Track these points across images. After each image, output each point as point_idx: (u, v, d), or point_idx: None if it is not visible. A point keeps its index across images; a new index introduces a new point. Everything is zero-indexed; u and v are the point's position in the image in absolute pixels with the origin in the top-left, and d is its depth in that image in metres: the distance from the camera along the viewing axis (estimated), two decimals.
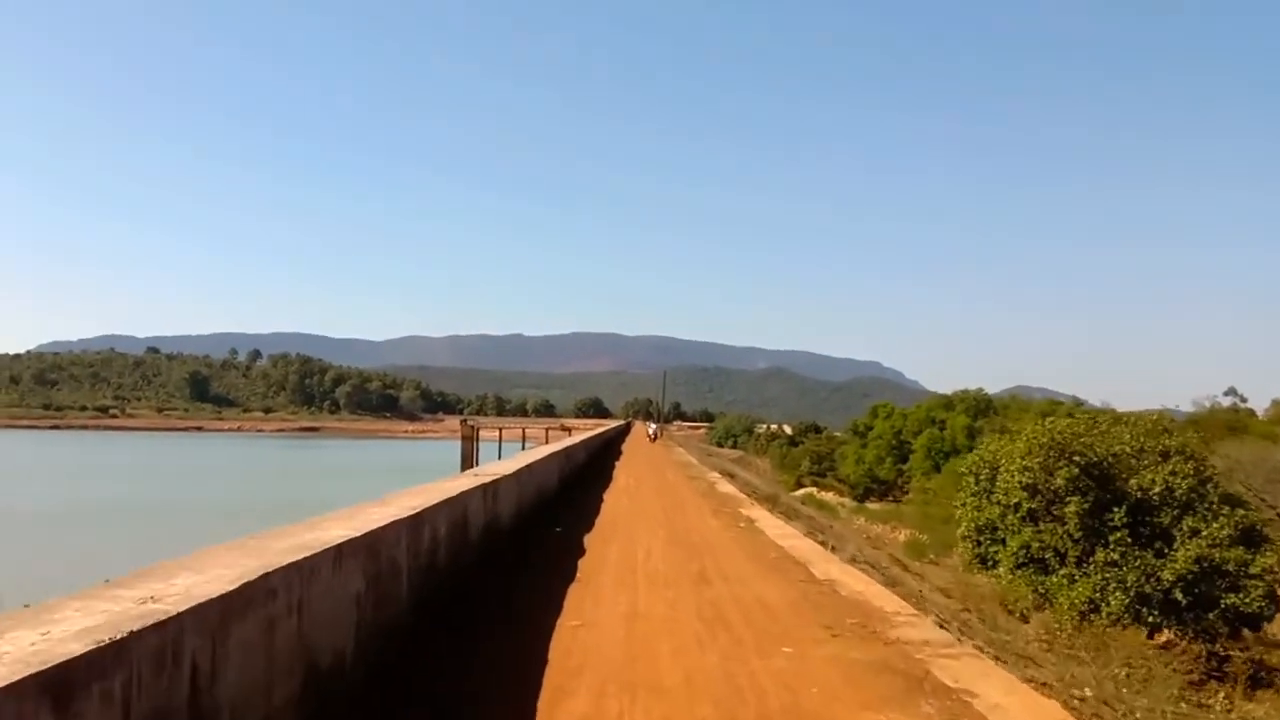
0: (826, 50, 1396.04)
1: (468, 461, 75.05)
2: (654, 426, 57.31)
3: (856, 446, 70.49)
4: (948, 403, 75.16)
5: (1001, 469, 14.88)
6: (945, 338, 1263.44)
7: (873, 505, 62.57)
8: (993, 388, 75.54)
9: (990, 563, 15.58)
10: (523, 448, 76.84)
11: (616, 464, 26.84)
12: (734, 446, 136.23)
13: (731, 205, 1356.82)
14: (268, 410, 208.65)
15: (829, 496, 65.56)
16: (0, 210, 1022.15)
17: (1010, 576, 14.73)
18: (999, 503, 14.86)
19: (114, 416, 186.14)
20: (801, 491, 64.60)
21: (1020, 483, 14.17)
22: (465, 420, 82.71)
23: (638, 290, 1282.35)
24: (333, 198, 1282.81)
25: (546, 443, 70.14)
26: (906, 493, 71.67)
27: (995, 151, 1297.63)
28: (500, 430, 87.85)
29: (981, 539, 15.52)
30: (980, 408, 74.58)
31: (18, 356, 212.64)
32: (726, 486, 21.54)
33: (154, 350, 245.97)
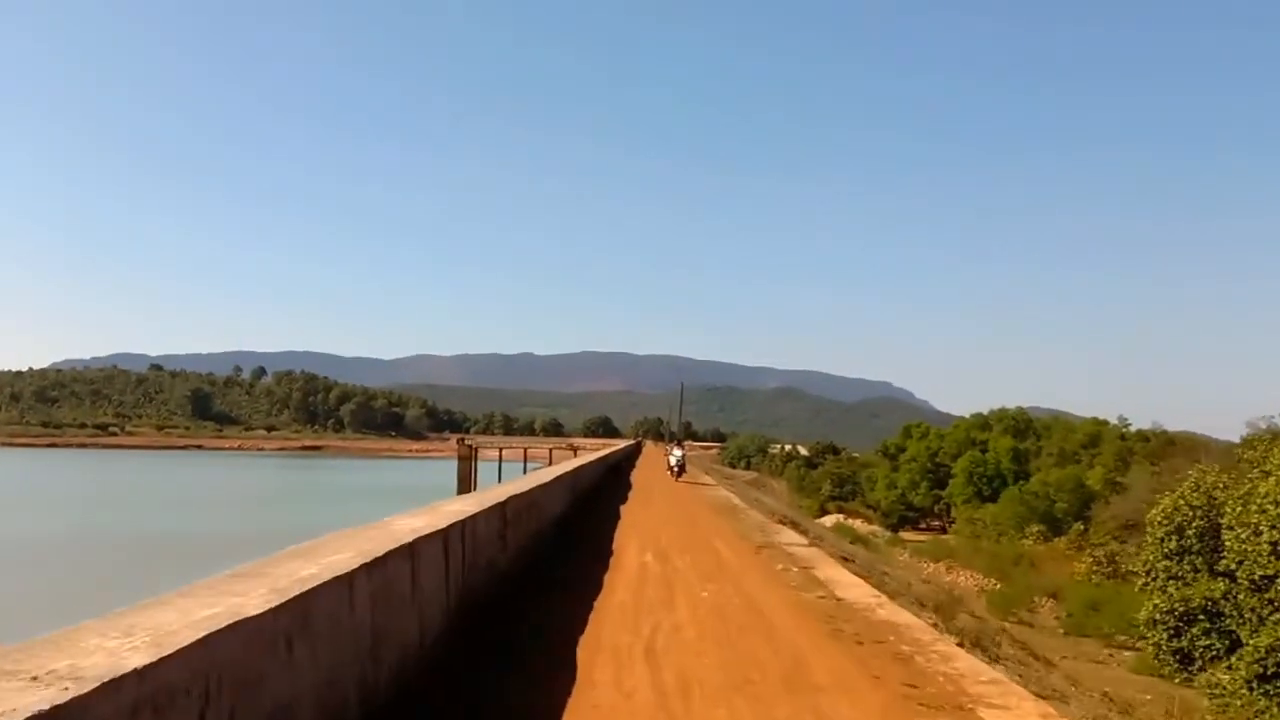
0: (828, 71, 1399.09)
1: (465, 483, 69.78)
2: (679, 453, 32.23)
3: (886, 470, 65.01)
4: (984, 422, 69.61)
5: (1233, 523, 9.44)
6: (952, 358, 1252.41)
7: (909, 535, 56.99)
8: (1003, 406, 69.97)
9: (1198, 662, 10.07)
10: (524, 469, 71.91)
11: (620, 515, 15.77)
12: (747, 467, 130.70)
13: (742, 226, 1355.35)
14: (270, 428, 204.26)
15: (858, 525, 59.74)
16: (15, 231, 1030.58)
17: (1243, 691, 9.26)
18: (1229, 574, 9.42)
19: (113, 434, 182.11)
20: (829, 520, 58.96)
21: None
22: (462, 439, 77.61)
23: (647, 310, 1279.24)
24: (342, 218, 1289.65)
25: (551, 463, 64.92)
26: (940, 519, 66.03)
27: (1005, 171, 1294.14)
28: (500, 450, 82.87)
29: (1187, 627, 10.03)
30: (1020, 428, 69.07)
31: (20, 374, 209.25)
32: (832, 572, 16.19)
33: (157, 367, 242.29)
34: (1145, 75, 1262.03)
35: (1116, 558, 32.06)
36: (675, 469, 30.30)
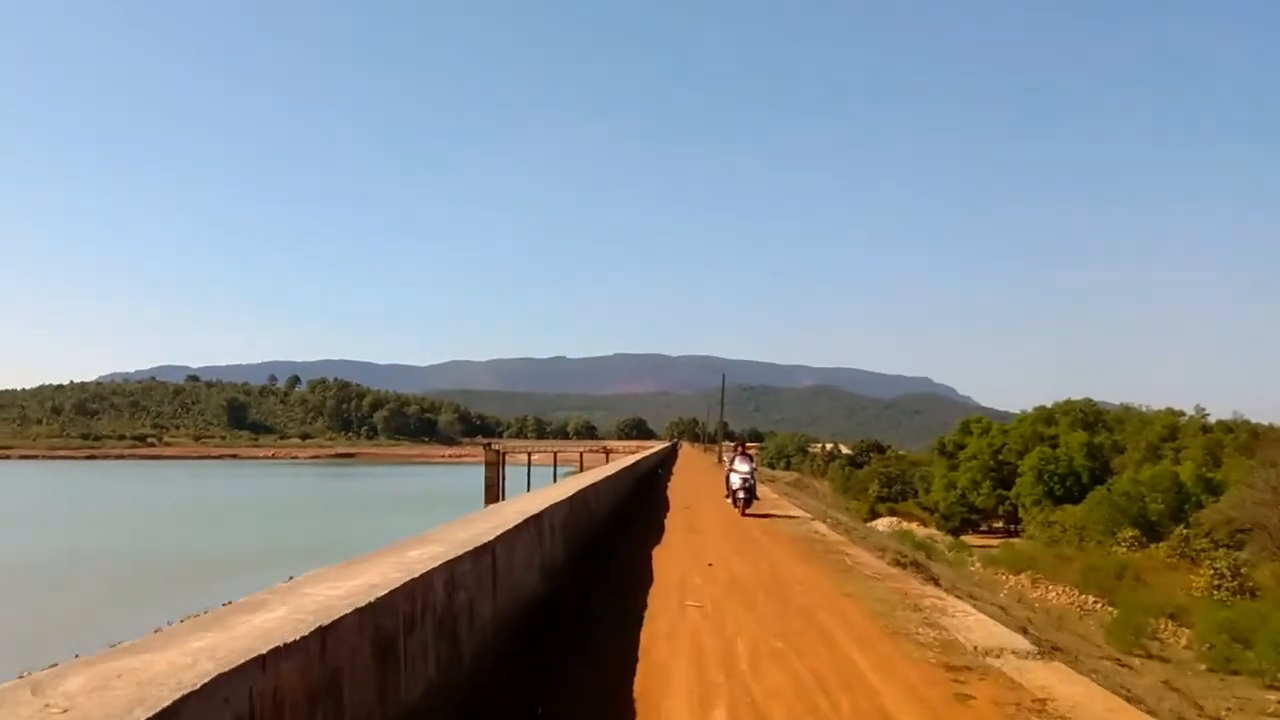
0: (855, 66, 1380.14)
1: (492, 491, 66.32)
2: (745, 468, 18.68)
3: (944, 468, 59.98)
4: (1049, 416, 64.21)
5: None
6: (991, 353, 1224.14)
7: (973, 540, 52.02)
8: (1046, 401, 64.51)
9: None
10: (554, 475, 68.19)
11: (650, 579, 9.35)
12: (787, 468, 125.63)
13: (775, 225, 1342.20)
14: (305, 436, 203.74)
15: (914, 528, 54.79)
16: (67, 248, 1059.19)
17: None
18: None
19: (151, 445, 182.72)
20: (882, 524, 54.19)
21: None
22: (489, 445, 74.25)
23: (680, 310, 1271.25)
24: (377, 227, 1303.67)
25: (582, 468, 60.82)
26: (1006, 522, 60.80)
27: (1061, 161, 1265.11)
28: (529, 454, 79.28)
29: None
30: (1089, 420, 63.54)
31: (61, 387, 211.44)
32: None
33: (194, 378, 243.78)
34: (1197, 79, 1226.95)
35: (1242, 569, 27.19)
36: (740, 494, 17.73)
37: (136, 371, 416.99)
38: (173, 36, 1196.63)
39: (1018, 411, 68.03)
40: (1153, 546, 35.94)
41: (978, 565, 36.79)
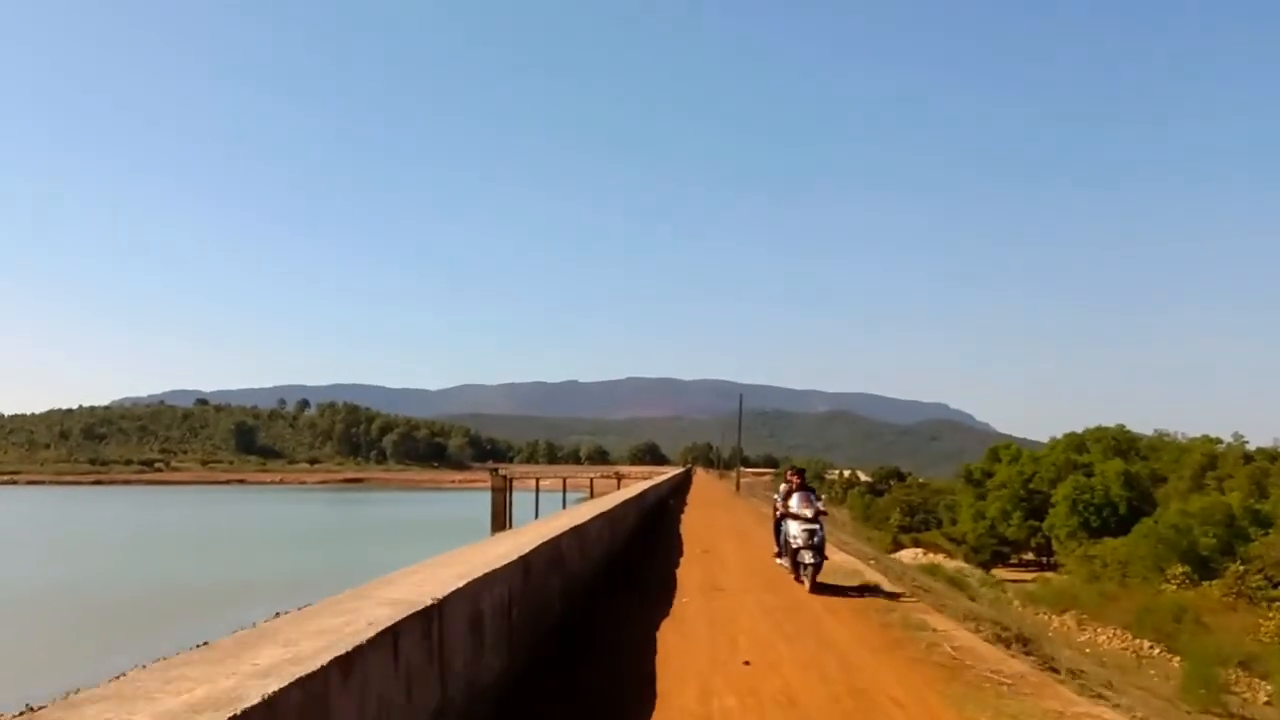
0: (863, 91, 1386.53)
1: (499, 519, 63.85)
2: (811, 511, 11.19)
3: (971, 497, 57.23)
4: (1079, 443, 61.48)
5: None
6: (1011, 379, 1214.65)
7: (1004, 573, 49.23)
8: (1067, 430, 61.64)
9: None
10: (563, 501, 65.71)
11: (652, 706, 5.61)
12: None
13: (788, 254, 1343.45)
14: (313, 461, 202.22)
15: (941, 560, 52.00)
16: (80, 270, 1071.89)
17: None
18: None
19: (158, 470, 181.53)
20: (906, 555, 51.45)
21: None
22: (496, 470, 71.92)
23: (693, 335, 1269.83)
24: (392, 253, 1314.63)
25: (593, 494, 58.33)
26: (1038, 554, 57.89)
27: (1054, 199, 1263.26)
28: (537, 480, 76.95)
29: None
30: (1121, 448, 60.77)
31: (70, 411, 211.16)
32: None
33: (203, 402, 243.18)
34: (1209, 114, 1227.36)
35: None
36: (806, 557, 11.40)
37: (149, 395, 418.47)
38: (186, 53, 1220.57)
39: (1034, 438, 65.51)
40: (1205, 584, 33.24)
41: (1016, 604, 34.20)
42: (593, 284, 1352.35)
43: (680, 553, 15.69)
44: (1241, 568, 32.14)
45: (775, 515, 13.05)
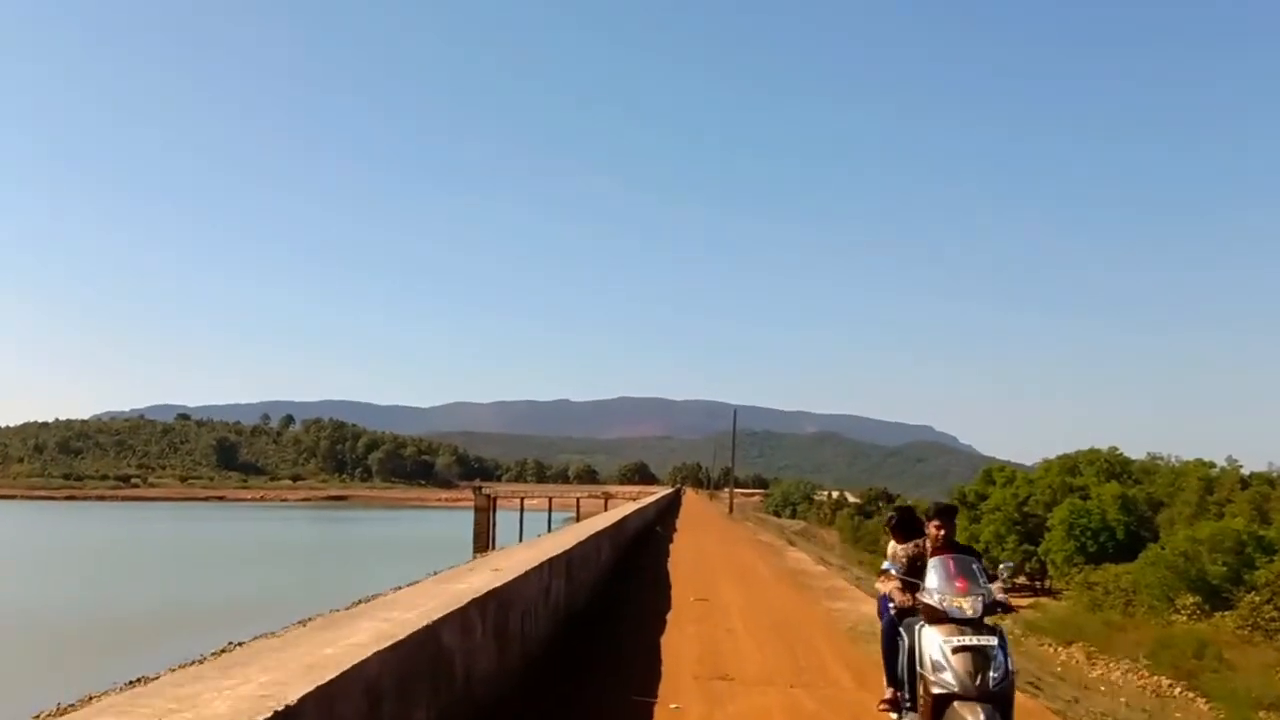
0: (861, 115, 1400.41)
1: (482, 539, 61.49)
2: (978, 597, 4.81)
3: (964, 520, 55.67)
4: (1072, 465, 60.05)
5: None
6: (995, 402, 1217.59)
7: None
8: (1049, 452, 60.17)
9: None
10: (548, 522, 63.51)
11: None
12: (793, 515, 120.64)
13: (775, 273, 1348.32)
14: (296, 478, 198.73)
15: None
16: (65, 284, 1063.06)
17: None
18: None
19: (135, 486, 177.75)
20: None
21: None
22: (479, 488, 69.82)
23: (683, 355, 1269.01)
24: (380, 269, 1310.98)
25: (579, 516, 56.33)
26: (1033, 580, 56.19)
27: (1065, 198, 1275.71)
28: (522, 500, 74.75)
29: None
30: (1115, 471, 59.38)
31: (45, 425, 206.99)
32: None
33: (184, 417, 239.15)
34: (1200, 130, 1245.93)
35: None
36: (968, 714, 4.53)
37: (131, 410, 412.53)
38: (169, 64, 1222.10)
39: (1018, 460, 63.85)
40: (1218, 615, 31.53)
41: (1016, 630, 32.39)
42: (586, 303, 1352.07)
43: (668, 603, 12.71)
44: (1255, 598, 30.48)
45: (883, 606, 6.29)
